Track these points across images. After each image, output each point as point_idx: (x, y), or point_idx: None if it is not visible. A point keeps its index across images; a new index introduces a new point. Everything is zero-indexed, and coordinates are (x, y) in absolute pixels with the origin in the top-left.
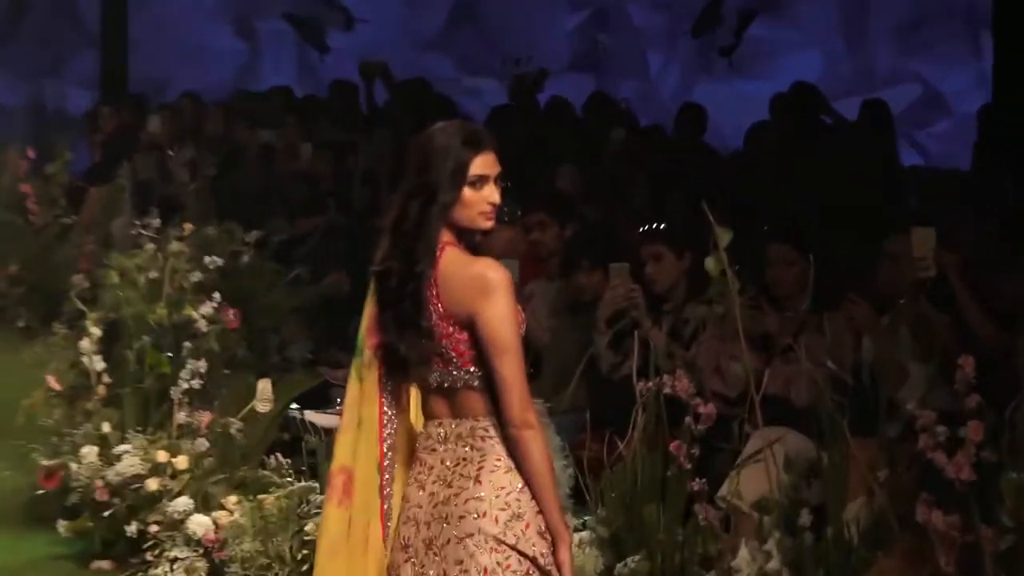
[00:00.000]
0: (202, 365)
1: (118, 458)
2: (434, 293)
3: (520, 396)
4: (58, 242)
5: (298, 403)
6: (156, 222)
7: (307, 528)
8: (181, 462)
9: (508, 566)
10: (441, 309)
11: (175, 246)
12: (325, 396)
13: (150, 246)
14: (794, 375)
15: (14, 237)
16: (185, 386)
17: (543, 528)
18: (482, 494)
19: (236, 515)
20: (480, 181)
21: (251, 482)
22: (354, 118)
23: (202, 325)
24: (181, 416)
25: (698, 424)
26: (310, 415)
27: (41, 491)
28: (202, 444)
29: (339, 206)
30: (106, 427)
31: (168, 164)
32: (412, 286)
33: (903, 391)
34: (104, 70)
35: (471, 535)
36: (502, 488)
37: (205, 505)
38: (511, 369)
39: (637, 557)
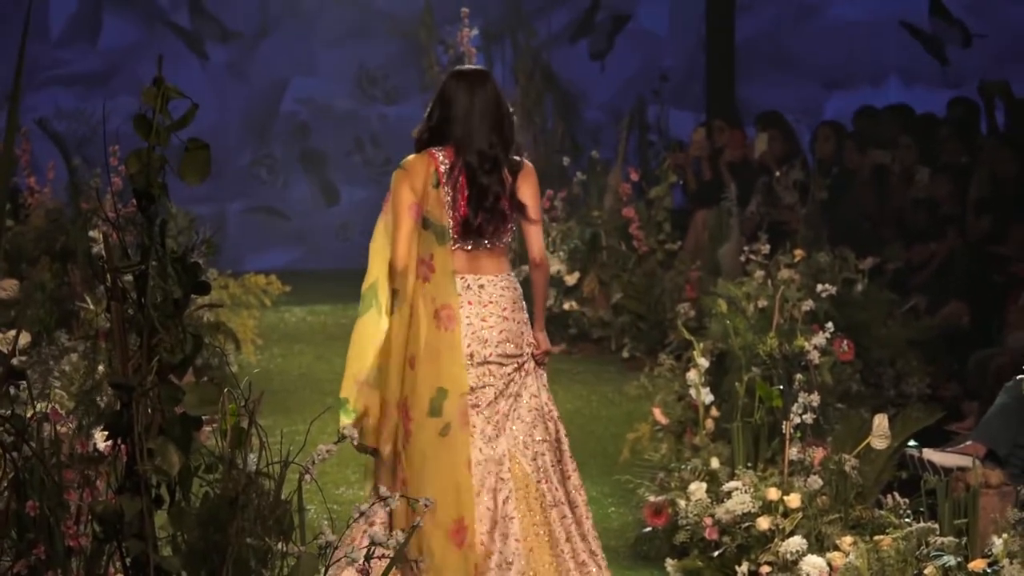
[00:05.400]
0: (815, 398)
1: (727, 495)
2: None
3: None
4: (663, 269)
5: (916, 440)
6: (765, 248)
7: (926, 572)
8: (793, 500)
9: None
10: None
11: (785, 273)
12: (943, 433)
13: (759, 273)
14: None
15: (619, 264)
16: (797, 420)
17: None
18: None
19: (851, 556)
20: None
21: (867, 522)
22: (973, 139)
23: (814, 356)
24: (793, 452)
25: None
26: (928, 453)
27: (648, 528)
28: (815, 482)
29: (958, 232)
30: (715, 463)
31: (776, 186)
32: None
33: None
34: (709, 91)
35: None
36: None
37: (819, 545)
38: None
39: None
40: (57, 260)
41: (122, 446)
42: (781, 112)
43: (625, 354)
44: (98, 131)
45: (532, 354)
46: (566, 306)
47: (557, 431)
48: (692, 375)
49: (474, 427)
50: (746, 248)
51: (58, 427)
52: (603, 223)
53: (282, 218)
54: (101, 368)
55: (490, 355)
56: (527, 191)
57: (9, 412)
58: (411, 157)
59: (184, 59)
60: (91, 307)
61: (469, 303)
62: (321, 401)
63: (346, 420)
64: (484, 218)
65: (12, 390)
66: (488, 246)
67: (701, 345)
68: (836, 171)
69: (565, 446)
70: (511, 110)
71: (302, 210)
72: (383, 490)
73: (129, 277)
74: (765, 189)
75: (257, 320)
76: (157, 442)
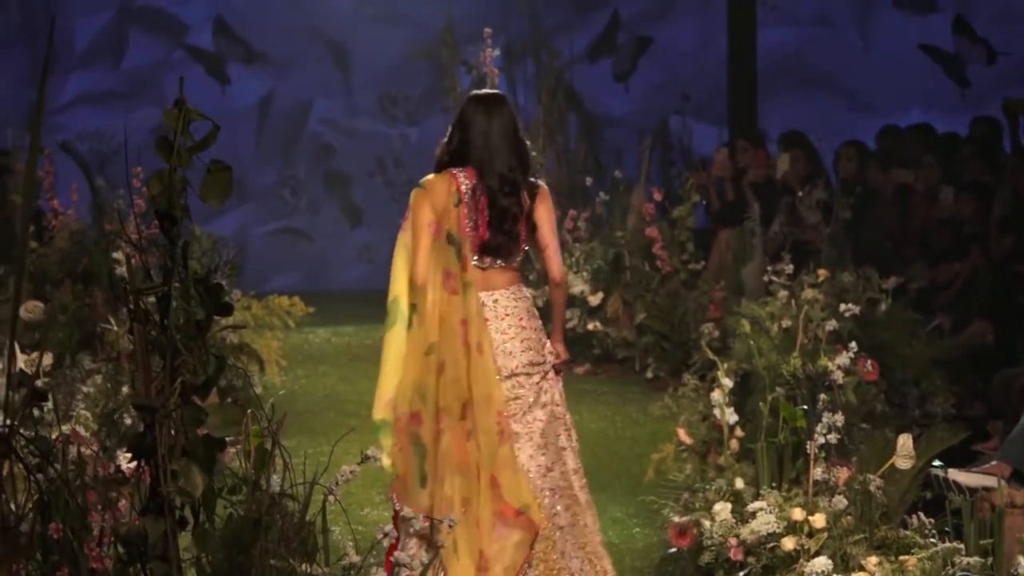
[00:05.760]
0: (839, 418)
1: (752, 515)
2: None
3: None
4: (687, 289)
5: (940, 460)
6: (789, 268)
7: None
8: (818, 520)
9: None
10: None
11: (809, 293)
12: (968, 453)
13: (783, 293)
14: None
15: (642, 284)
16: (821, 440)
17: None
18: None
19: None
20: None
21: (892, 542)
22: (996, 158)
23: (838, 376)
24: (817, 472)
25: None
26: (953, 473)
27: (673, 549)
28: (840, 502)
29: (982, 251)
30: (739, 483)
31: (799, 206)
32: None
33: None
34: (731, 110)
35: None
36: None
37: (844, 566)
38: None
39: None
40: (79, 282)
41: (146, 467)
42: (803, 132)
43: (649, 374)
44: (120, 151)
45: (553, 364)
46: (590, 326)
47: (571, 437)
48: (716, 395)
49: (517, 434)
50: (769, 268)
51: (82, 449)
52: (626, 243)
53: (305, 239)
54: (125, 390)
55: (516, 367)
56: (544, 212)
57: (33, 434)
58: (431, 177)
59: (207, 80)
60: (114, 329)
61: (487, 319)
62: (345, 422)
63: (386, 442)
64: (502, 240)
65: (36, 412)
66: (501, 265)
67: (725, 365)
68: (859, 190)
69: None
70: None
71: (325, 231)
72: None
73: (152, 299)
74: (788, 209)
75: (281, 341)
76: (180, 463)
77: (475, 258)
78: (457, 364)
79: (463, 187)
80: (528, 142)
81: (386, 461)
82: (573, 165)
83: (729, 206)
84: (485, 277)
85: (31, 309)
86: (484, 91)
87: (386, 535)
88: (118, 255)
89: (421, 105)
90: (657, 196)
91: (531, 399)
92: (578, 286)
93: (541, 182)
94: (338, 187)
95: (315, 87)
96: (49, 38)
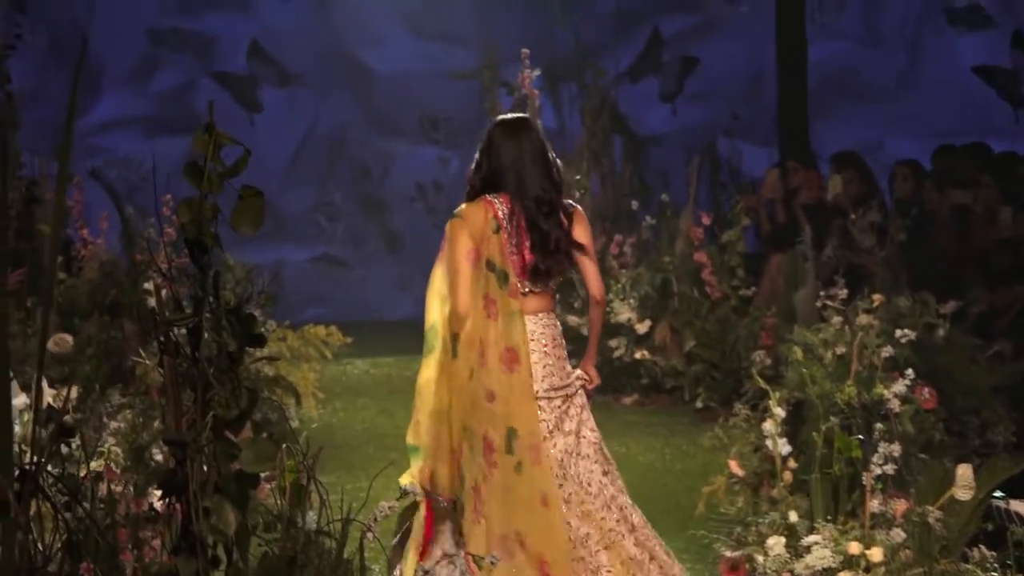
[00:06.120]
0: (896, 448)
1: (807, 550)
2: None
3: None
4: (737, 316)
5: (1002, 490)
6: (842, 293)
7: None
8: (875, 554)
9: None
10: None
11: (864, 319)
12: None
13: (836, 319)
14: None
15: (691, 311)
16: (878, 471)
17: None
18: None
19: None
20: None
21: None
22: None
23: (895, 405)
24: (874, 504)
25: None
26: (1016, 504)
27: None
28: (898, 535)
29: None
30: (793, 516)
31: (852, 229)
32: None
33: None
34: (781, 129)
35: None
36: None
37: None
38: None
39: None
40: (109, 314)
41: (177, 505)
42: (857, 152)
43: (699, 404)
44: (149, 178)
45: (584, 387)
46: (637, 355)
47: (607, 459)
48: (768, 425)
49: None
50: (822, 293)
51: (111, 486)
52: (674, 268)
53: (343, 267)
54: (155, 424)
55: (538, 392)
56: (581, 232)
57: (61, 471)
58: (466, 205)
59: (236, 105)
60: (145, 362)
61: None
62: (385, 456)
63: (416, 465)
64: (549, 263)
65: (64, 448)
66: (542, 288)
67: (777, 394)
68: (915, 212)
69: (615, 470)
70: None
71: (363, 258)
72: (448, 546)
73: (183, 330)
74: (841, 232)
75: (318, 373)
76: (213, 500)
77: (519, 283)
78: (500, 384)
79: (500, 213)
80: (558, 161)
81: (405, 479)
82: (618, 188)
83: (780, 229)
84: (523, 301)
85: (59, 342)
86: (509, 115)
87: (427, 572)
88: (148, 286)
89: (462, 128)
90: (706, 220)
91: (551, 424)
92: (625, 313)
93: (573, 203)
94: (376, 213)
95: (352, 109)
96: (78, 62)
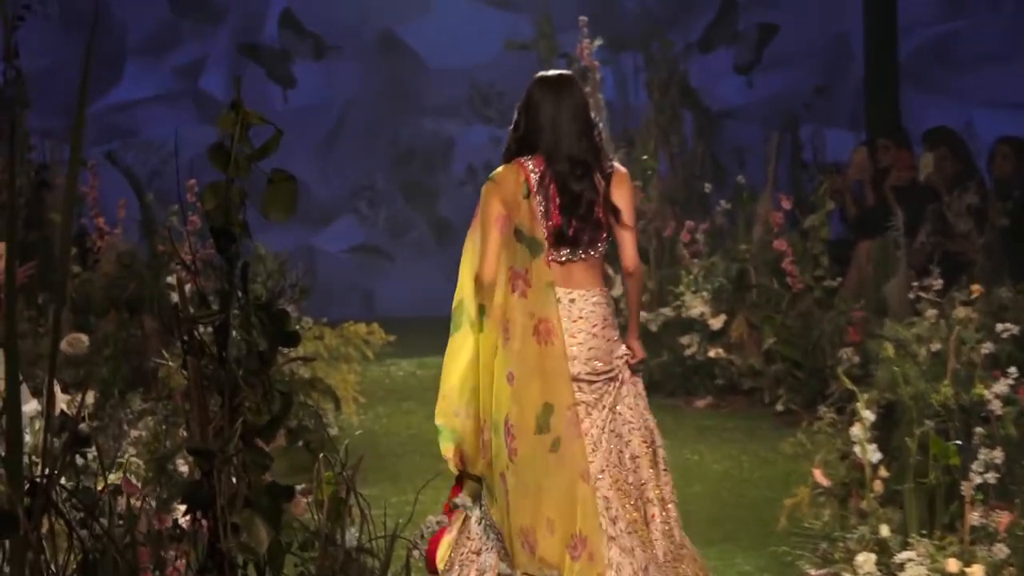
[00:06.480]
0: (998, 455)
1: (901, 567)
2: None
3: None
4: (821, 309)
5: None
6: (938, 283)
7: None
8: (976, 572)
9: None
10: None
11: (961, 312)
12: None
13: (931, 312)
14: None
15: (770, 304)
16: (978, 480)
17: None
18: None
19: None
20: None
21: None
22: None
23: (996, 407)
24: (974, 517)
25: None
26: None
27: None
28: (1001, 550)
29: None
30: (884, 530)
31: (947, 213)
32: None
33: None
34: (869, 106)
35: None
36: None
37: None
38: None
39: None
40: (127, 310)
41: (203, 521)
42: (952, 128)
43: (780, 407)
44: (171, 162)
45: (627, 362)
46: (711, 353)
47: (653, 441)
48: (856, 430)
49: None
50: (916, 284)
51: (131, 500)
52: (751, 258)
53: (384, 258)
54: (180, 432)
55: (578, 372)
56: (621, 196)
57: (76, 484)
58: (500, 169)
59: (267, 80)
60: (167, 363)
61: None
62: (433, 466)
63: (446, 447)
64: (578, 226)
65: (79, 459)
66: (583, 256)
67: (866, 396)
68: (1017, 194)
69: (661, 456)
70: (598, 121)
71: (407, 248)
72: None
73: (209, 328)
74: (936, 216)
75: (359, 375)
76: (243, 516)
77: (551, 251)
78: (524, 362)
79: (532, 177)
80: (601, 124)
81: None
82: (689, 169)
83: (869, 213)
84: (565, 272)
85: (73, 342)
86: (551, 72)
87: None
88: (170, 279)
89: (516, 103)
90: (786, 204)
91: (590, 404)
92: (697, 307)
93: (618, 164)
94: (422, 199)
95: (394, 84)
96: (91, 31)
